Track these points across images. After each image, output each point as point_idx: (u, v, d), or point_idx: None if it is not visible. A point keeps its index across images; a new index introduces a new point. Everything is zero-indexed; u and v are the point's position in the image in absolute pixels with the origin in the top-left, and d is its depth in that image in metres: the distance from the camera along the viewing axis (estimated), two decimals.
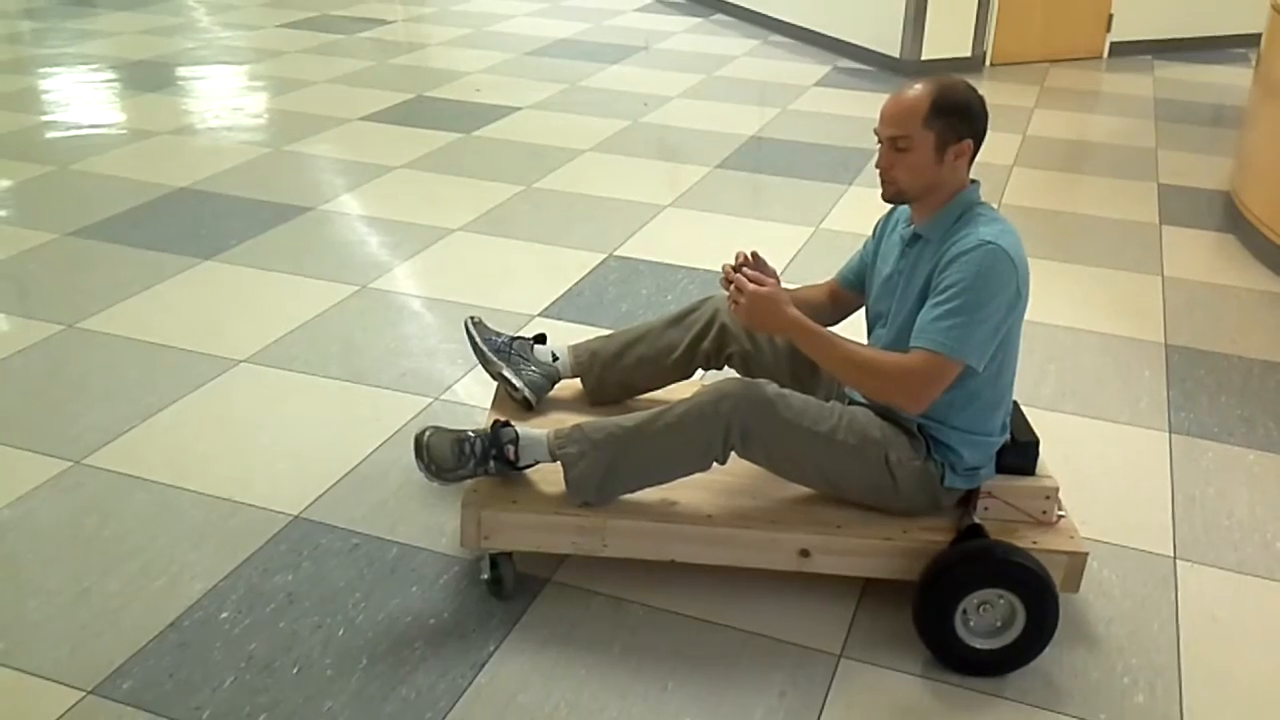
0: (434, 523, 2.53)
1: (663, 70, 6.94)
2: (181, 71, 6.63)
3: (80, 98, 6.01)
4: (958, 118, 2.05)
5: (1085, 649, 2.22)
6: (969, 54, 7.04)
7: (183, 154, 5.12)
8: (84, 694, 2.03)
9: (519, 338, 2.59)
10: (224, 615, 2.23)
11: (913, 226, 2.19)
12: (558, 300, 3.69)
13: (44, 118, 5.61)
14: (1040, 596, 2.08)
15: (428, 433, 2.22)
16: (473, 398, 3.05)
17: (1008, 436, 2.25)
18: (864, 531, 2.20)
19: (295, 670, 2.10)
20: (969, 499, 2.26)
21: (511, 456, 2.24)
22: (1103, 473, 2.83)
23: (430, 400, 3.05)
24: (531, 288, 3.77)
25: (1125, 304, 3.82)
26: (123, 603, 2.26)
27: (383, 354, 3.31)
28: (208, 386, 3.09)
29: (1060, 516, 2.25)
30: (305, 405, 3.04)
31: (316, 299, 3.65)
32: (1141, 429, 3.04)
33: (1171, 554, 2.52)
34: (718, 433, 2.14)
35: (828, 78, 6.85)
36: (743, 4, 8.45)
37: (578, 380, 2.59)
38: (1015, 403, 2.29)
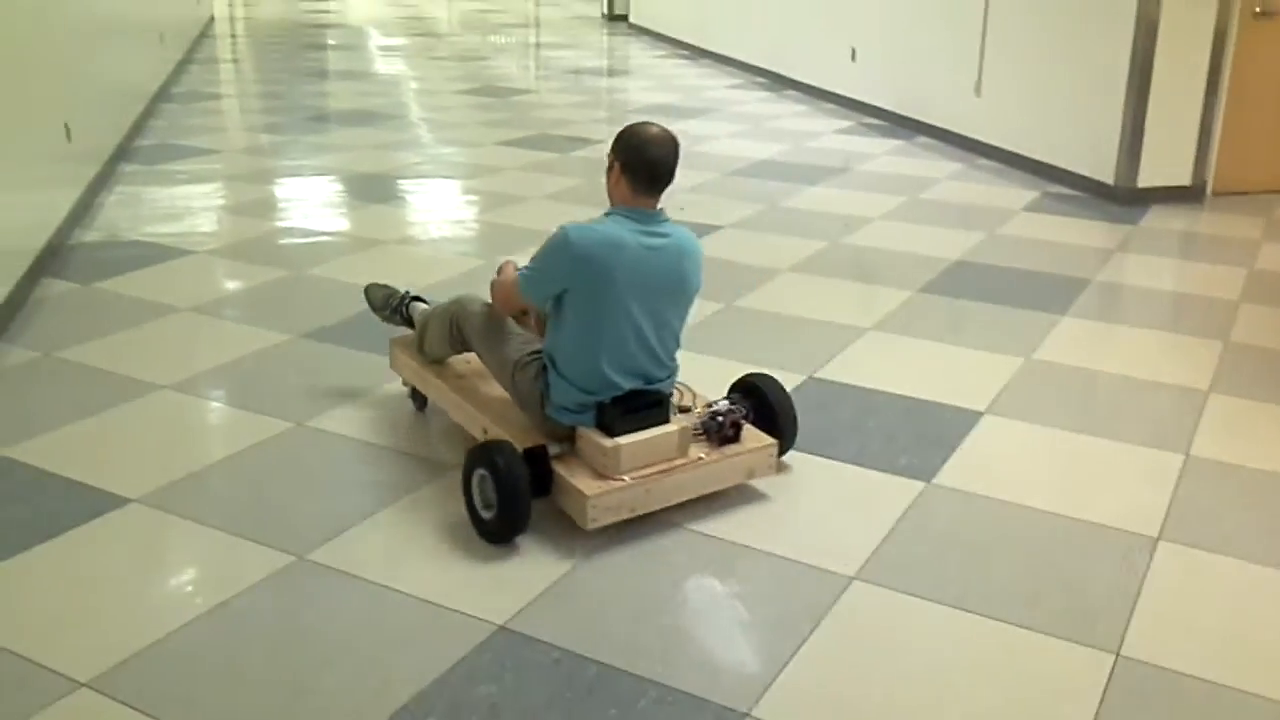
0: (632, 643, 2.53)
1: (863, 191, 6.95)
2: (406, 184, 7.07)
3: (314, 207, 6.49)
4: (617, 146, 3.01)
5: None
6: (1189, 182, 6.74)
7: (407, 262, 5.44)
8: None
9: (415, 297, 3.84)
10: None
11: None
12: None
13: (281, 224, 6.08)
14: (504, 485, 2.82)
15: (371, 284, 3.87)
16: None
17: (604, 399, 2.95)
18: (500, 426, 3.15)
19: None
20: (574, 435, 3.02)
21: (408, 315, 3.70)
22: None
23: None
24: None
25: None
26: (334, 702, 2.34)
27: None
28: (424, 489, 3.22)
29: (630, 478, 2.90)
30: None
31: None
32: None
33: None
34: (445, 326, 3.35)
35: (1036, 203, 6.70)
36: (947, 126, 8.40)
37: None
38: (625, 396, 2.98)
